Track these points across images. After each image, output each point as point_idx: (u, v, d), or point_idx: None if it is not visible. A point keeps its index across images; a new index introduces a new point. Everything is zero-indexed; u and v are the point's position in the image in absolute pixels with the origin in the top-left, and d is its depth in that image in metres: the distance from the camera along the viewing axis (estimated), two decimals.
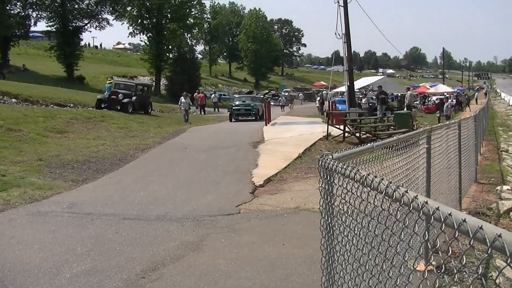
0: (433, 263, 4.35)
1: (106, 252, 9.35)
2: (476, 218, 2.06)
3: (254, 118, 48.28)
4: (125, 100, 41.43)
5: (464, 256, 2.15)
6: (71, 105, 43.03)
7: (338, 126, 30.77)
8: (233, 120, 48.66)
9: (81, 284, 7.74)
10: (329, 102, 51.57)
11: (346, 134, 29.34)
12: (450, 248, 2.23)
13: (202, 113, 61.09)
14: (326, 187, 4.11)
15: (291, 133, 32.61)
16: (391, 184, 2.81)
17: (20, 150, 20.19)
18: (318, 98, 66.84)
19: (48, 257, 8.95)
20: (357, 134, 29.16)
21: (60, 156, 20.18)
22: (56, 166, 18.29)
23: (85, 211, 12.42)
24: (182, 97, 47.77)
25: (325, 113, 41.37)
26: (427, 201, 2.36)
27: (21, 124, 25.04)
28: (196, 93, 69.89)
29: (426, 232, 2.59)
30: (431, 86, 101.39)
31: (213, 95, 79.51)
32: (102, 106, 41.14)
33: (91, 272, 8.27)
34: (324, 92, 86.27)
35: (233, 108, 49.79)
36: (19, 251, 9.30)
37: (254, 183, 16.70)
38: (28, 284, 7.68)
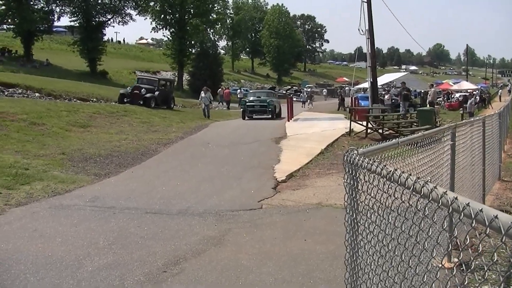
0: (461, 260, 4.29)
1: (128, 246, 9.37)
2: (508, 215, 2.02)
3: (270, 116, 44.41)
4: (148, 95, 41.60)
5: (495, 254, 2.10)
6: (94, 99, 43.30)
7: (360, 122, 30.63)
8: (246, 118, 44.10)
9: (103, 277, 7.75)
10: (352, 98, 51.33)
11: (369, 131, 29.17)
12: (480, 245, 2.19)
13: (227, 108, 61.29)
14: (352, 182, 4.07)
15: (314, 129, 32.52)
16: (419, 180, 2.77)
17: (43, 144, 20.30)
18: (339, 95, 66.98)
19: (70, 250, 8.98)
20: (380, 131, 28.99)
21: (83, 150, 20.28)
22: (79, 160, 18.38)
23: (107, 205, 12.46)
24: (202, 92, 45.81)
25: (347, 109, 41.24)
26: (456, 197, 2.32)
27: (44, 118, 25.19)
28: (220, 89, 70.05)
29: (455, 228, 2.53)
30: (454, 83, 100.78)
31: (238, 90, 79.36)
32: (125, 100, 41.34)
33: (113, 265, 8.29)
34: (346, 88, 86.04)
35: (247, 104, 45.09)
36: (42, 244, 9.33)
37: (276, 179, 16.67)
38: (51, 277, 7.70)
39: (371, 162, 3.55)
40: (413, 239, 3.09)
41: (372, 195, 3.72)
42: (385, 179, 3.27)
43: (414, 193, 2.81)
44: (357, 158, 3.82)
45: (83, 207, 12.18)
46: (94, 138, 23.70)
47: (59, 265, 8.22)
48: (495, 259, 2.12)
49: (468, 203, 2.19)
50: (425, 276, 3.09)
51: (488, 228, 2.04)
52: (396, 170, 3.14)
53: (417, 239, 3.04)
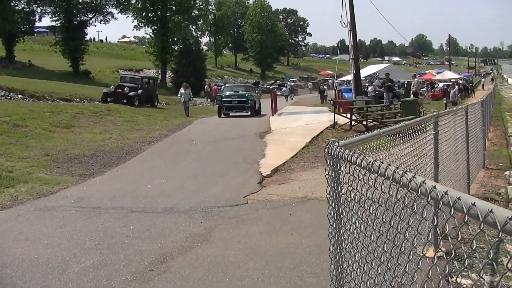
0: (443, 249, 4.30)
1: (114, 246, 9.34)
2: (486, 202, 2.01)
3: (249, 112, 39.85)
4: (131, 94, 41.41)
5: (474, 241, 2.10)
6: (77, 99, 43.11)
7: (344, 115, 30.69)
8: (222, 115, 40.20)
9: (90, 278, 7.73)
10: (335, 90, 51.36)
11: (353, 123, 29.22)
12: (459, 233, 2.19)
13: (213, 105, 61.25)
14: (333, 174, 4.06)
15: (298, 123, 32.58)
16: (398, 170, 2.76)
17: (27, 146, 20.20)
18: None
19: (56, 252, 8.94)
20: (364, 122, 29.03)
21: (67, 151, 20.19)
22: (63, 161, 18.31)
23: (92, 205, 12.42)
24: (182, 88, 43.87)
25: (331, 101, 41.14)
26: (435, 186, 2.31)
27: (28, 119, 25.05)
28: (207, 86, 70.03)
29: (435, 217, 2.52)
30: (437, 73, 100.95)
31: (223, 86, 79.20)
32: (108, 100, 41.16)
33: (100, 266, 8.26)
34: (330, 81, 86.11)
35: (223, 100, 40.37)
36: (28, 246, 9.29)
37: (261, 174, 16.69)
38: (37, 280, 7.67)
39: (351, 153, 3.55)
40: (395, 230, 3.08)
41: (353, 186, 3.71)
42: (365, 170, 3.27)
43: (394, 183, 2.81)
44: (338, 150, 3.81)
45: (68, 208, 12.13)
46: (78, 138, 23.62)
47: (46, 267, 8.19)
48: (474, 247, 2.11)
49: (447, 191, 2.19)
50: (407, 266, 3.08)
51: (466, 216, 2.03)
52: (375, 160, 3.13)
53: (398, 229, 3.04)
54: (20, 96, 40.03)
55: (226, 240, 9.75)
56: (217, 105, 42.24)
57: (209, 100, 65.15)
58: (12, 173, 15.51)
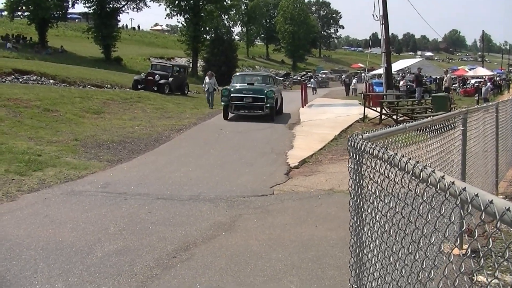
0: (464, 246, 4.26)
1: (138, 232, 9.36)
2: (504, 200, 1.98)
3: (269, 113, 28.95)
4: (162, 81, 41.50)
5: (490, 240, 2.06)
6: (108, 86, 43.32)
7: (375, 108, 30.57)
8: (229, 116, 29.77)
9: (112, 263, 7.75)
10: (366, 84, 51.13)
11: (383, 117, 29.08)
12: (475, 231, 2.15)
13: None
14: (355, 167, 4.03)
15: (328, 115, 32.51)
16: (418, 164, 2.73)
17: (56, 130, 20.35)
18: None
19: (80, 236, 8.99)
20: (394, 117, 28.89)
21: (96, 136, 20.31)
22: (92, 146, 18.41)
23: (119, 191, 12.46)
24: (206, 77, 38.78)
25: (361, 95, 40.85)
26: (453, 182, 2.28)
27: (58, 104, 25.23)
28: None
29: (452, 214, 2.49)
30: (470, 69, 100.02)
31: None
32: (139, 87, 41.30)
33: (123, 251, 8.29)
34: (362, 74, 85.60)
35: (232, 95, 29.18)
36: (53, 229, 9.35)
37: (289, 165, 16.67)
38: (60, 263, 7.71)
39: (373, 146, 3.51)
40: (413, 225, 3.05)
41: (374, 180, 3.68)
42: (386, 163, 3.24)
43: (413, 177, 2.78)
44: (361, 142, 3.78)
45: (95, 193, 12.19)
46: (107, 124, 23.73)
47: (69, 251, 8.23)
48: (490, 246, 2.08)
49: (465, 187, 2.15)
50: (424, 263, 3.05)
51: (483, 213, 2.00)
52: (396, 154, 3.10)
53: (416, 224, 3.01)
54: (51, 81, 40.35)
55: (250, 230, 9.73)
56: (223, 103, 29.42)
57: None
58: (41, 157, 15.62)
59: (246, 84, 31.00)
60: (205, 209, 11.14)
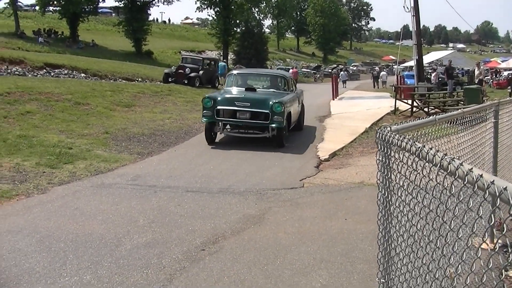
0: (494, 241, 4.18)
1: (168, 224, 9.38)
2: None
3: (275, 136, 18.55)
4: (192, 74, 41.51)
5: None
6: (139, 79, 43.49)
7: (406, 101, 30.38)
8: (216, 134, 19.50)
9: (141, 255, 7.78)
10: (397, 76, 50.81)
11: (414, 109, 28.88)
12: (505, 225, 2.10)
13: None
14: (384, 160, 3.98)
15: (358, 108, 32.42)
16: (446, 156, 2.67)
17: (87, 124, 20.46)
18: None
19: (110, 229, 9.03)
20: (425, 109, 28.67)
21: (127, 129, 20.40)
22: (122, 139, 18.49)
23: (148, 184, 12.50)
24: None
25: (392, 87, 40.56)
26: (482, 175, 2.22)
27: (89, 98, 25.38)
28: (291, 69, 70.23)
29: (480, 208, 2.43)
30: (502, 61, 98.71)
31: (291, 70, 78.77)
32: (170, 80, 41.40)
33: (152, 243, 8.32)
34: (386, 67, 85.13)
35: (218, 108, 18.78)
36: (82, 222, 9.41)
37: (319, 157, 16.63)
38: (89, 255, 7.75)
39: (401, 138, 3.46)
40: (440, 219, 3.00)
41: (402, 173, 3.63)
42: (414, 156, 3.19)
43: (441, 170, 2.72)
44: (389, 134, 3.73)
45: (125, 186, 12.24)
46: (138, 117, 23.83)
47: (99, 243, 8.28)
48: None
49: (493, 180, 2.10)
50: (452, 258, 2.99)
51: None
52: (424, 146, 3.05)
53: (444, 218, 2.95)
54: (83, 74, 40.63)
55: (279, 223, 9.71)
56: (204, 120, 18.88)
57: None
58: (72, 150, 15.72)
59: (243, 90, 19.86)
60: (235, 202, 11.14)
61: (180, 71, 41.85)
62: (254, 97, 19.07)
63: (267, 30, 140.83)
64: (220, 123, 18.82)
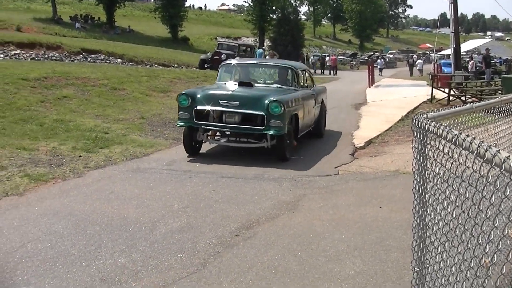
0: None
1: (202, 209, 9.43)
2: None
3: (275, 146, 13.98)
4: None
5: None
6: (175, 65, 43.72)
7: (443, 89, 30.11)
8: (200, 146, 15.07)
9: (175, 240, 7.83)
10: (434, 64, 50.36)
11: (451, 98, 28.60)
12: None
13: (334, 74, 60.82)
14: (420, 147, 3.96)
15: (394, 96, 32.25)
16: (483, 144, 2.64)
17: (123, 109, 20.58)
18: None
19: (145, 213, 9.11)
20: (462, 98, 28.38)
21: (162, 114, 20.48)
22: (158, 125, 18.58)
23: (183, 169, 12.56)
24: (267, 57, 34.73)
25: (429, 75, 40.16)
26: None
27: (125, 83, 25.51)
28: (328, 57, 70.14)
29: None
30: None
31: (327, 58, 78.40)
32: (205, 66, 41.57)
33: (186, 228, 8.37)
34: (415, 56, 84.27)
35: (197, 108, 14.11)
36: (117, 206, 9.50)
37: (354, 145, 16.57)
38: (124, 238, 7.83)
39: (437, 126, 3.44)
40: (476, 207, 2.97)
41: (438, 160, 3.60)
42: (450, 143, 3.16)
43: (478, 158, 2.70)
44: (425, 122, 3.71)
45: (160, 171, 12.32)
46: (173, 103, 23.70)
47: (133, 227, 8.36)
48: None
49: None
50: (487, 247, 2.97)
51: None
52: (461, 133, 3.02)
53: (480, 207, 2.93)
54: (119, 60, 41.05)
55: (313, 210, 9.70)
56: (180, 124, 14.58)
57: (331, 71, 64.94)
58: (108, 135, 15.85)
59: (236, 85, 15.33)
60: (269, 188, 11.15)
61: (216, 57, 42.02)
62: (245, 94, 14.41)
63: (303, 17, 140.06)
64: (199, 126, 14.33)
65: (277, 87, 15.85)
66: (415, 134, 4.00)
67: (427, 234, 3.99)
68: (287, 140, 14.11)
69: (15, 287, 6.27)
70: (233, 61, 18.47)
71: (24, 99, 18.97)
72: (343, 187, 11.57)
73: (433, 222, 3.84)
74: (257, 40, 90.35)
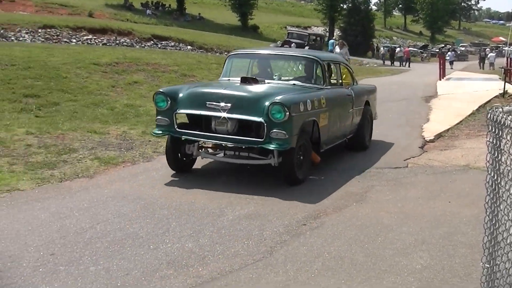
0: None
1: (269, 198, 9.49)
2: None
3: (283, 164, 10.15)
4: None
5: None
6: None
7: None
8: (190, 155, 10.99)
9: (243, 227, 7.90)
10: (507, 58, 49.33)
11: None
12: None
13: (407, 66, 60.36)
14: (494, 141, 3.91)
15: (465, 89, 31.74)
16: None
17: None
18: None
19: (213, 199, 9.24)
20: None
21: None
22: None
23: None
24: (337, 47, 32.47)
25: (501, 69, 39.37)
26: None
27: (195, 70, 25.74)
28: (398, 49, 69.72)
29: None
30: None
31: (397, 49, 77.62)
32: None
33: (253, 215, 8.45)
34: (487, 50, 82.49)
35: (180, 111, 10.62)
36: (185, 191, 9.69)
37: (424, 138, 16.34)
38: (192, 223, 7.94)
39: None
40: None
41: None
42: None
43: None
44: (501, 116, 3.66)
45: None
46: None
47: (201, 212, 8.47)
48: None
49: None
50: None
51: None
52: None
53: None
54: (189, 47, 41.42)
55: (381, 202, 9.65)
56: (157, 133, 10.80)
57: (403, 63, 64.48)
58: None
59: (237, 82, 11.29)
60: (337, 178, 11.14)
61: (286, 46, 41.92)
62: (240, 94, 10.41)
63: (374, 7, 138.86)
64: (185, 136, 10.64)
65: (294, 84, 11.90)
66: (490, 128, 3.95)
67: (500, 230, 3.94)
68: (299, 157, 10.48)
69: (84, 266, 6.42)
70: (241, 51, 15.21)
71: (95, 83, 19.37)
72: (411, 180, 11.45)
73: (507, 218, 3.79)
74: (327, 30, 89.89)
